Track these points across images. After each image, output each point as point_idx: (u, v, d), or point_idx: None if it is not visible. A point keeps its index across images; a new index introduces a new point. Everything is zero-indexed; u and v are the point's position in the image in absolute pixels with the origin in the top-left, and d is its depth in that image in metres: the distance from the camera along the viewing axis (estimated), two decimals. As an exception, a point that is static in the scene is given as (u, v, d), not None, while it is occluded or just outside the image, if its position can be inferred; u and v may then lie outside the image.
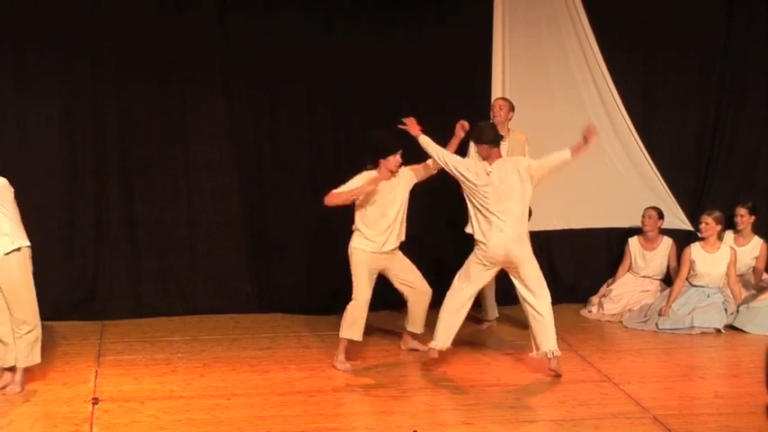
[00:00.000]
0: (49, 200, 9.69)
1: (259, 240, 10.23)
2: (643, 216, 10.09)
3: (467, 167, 8.09)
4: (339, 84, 10.04)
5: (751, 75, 10.58)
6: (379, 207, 8.32)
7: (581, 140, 7.94)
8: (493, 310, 9.58)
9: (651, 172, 10.13)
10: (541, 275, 8.11)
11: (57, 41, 9.73)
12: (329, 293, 9.84)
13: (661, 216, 10.09)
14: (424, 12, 10.15)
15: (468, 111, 10.04)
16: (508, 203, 7.91)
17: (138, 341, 9.20)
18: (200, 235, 10.16)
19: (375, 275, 8.42)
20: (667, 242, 10.16)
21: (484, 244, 7.92)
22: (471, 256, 8.05)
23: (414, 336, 8.77)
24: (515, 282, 8.05)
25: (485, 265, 7.99)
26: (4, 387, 7.68)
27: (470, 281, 8.07)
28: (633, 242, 10.22)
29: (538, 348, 7.99)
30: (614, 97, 10.05)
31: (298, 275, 10.14)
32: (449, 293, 8.12)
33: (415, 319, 8.66)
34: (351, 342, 8.37)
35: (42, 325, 9.44)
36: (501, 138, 8.32)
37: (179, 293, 10.18)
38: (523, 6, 10.03)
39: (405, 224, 8.45)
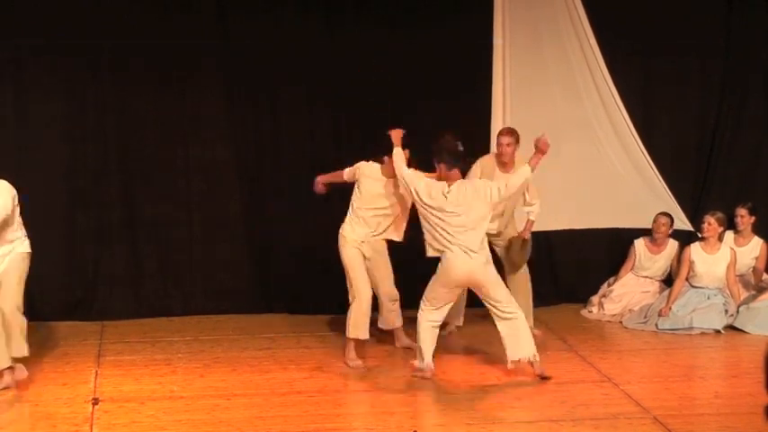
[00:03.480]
0: (49, 200, 9.68)
1: (259, 240, 10.23)
2: (655, 222, 10.01)
3: (424, 186, 7.88)
4: (339, 84, 10.04)
5: (751, 76, 10.58)
6: (375, 200, 8.44)
7: (536, 153, 7.95)
8: (458, 317, 9.42)
9: (651, 172, 10.12)
10: (507, 292, 8.04)
11: (57, 41, 9.72)
12: (329, 293, 9.83)
13: (673, 222, 10.07)
14: (424, 12, 10.14)
15: (469, 111, 10.08)
16: (466, 226, 7.76)
17: (138, 341, 9.20)
18: (200, 235, 10.15)
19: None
20: (673, 245, 10.14)
21: (444, 266, 7.80)
22: (435, 277, 7.92)
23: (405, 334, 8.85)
24: (484, 302, 7.97)
25: (448, 286, 7.89)
26: (4, 388, 7.69)
27: (436, 306, 7.96)
28: (639, 243, 10.19)
29: (513, 356, 7.93)
30: (614, 97, 10.04)
31: (298, 275, 10.13)
32: (419, 318, 7.99)
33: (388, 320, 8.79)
34: (357, 341, 8.41)
35: (42, 325, 9.52)
36: (462, 158, 8.01)
37: (179, 293, 10.18)
38: (523, 6, 10.02)
39: (400, 226, 8.52)
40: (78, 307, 9.95)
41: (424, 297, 8.02)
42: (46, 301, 9.78)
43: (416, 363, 8.03)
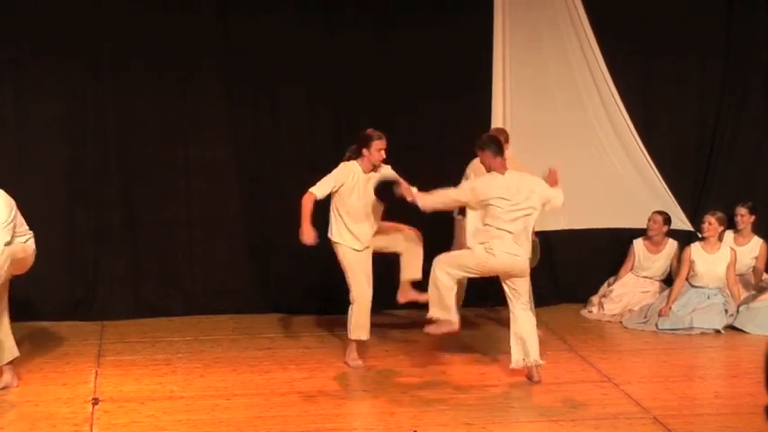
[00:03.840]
0: (49, 200, 9.68)
1: (259, 240, 10.23)
2: (649, 220, 10.05)
3: (469, 188, 7.84)
4: (339, 84, 10.05)
5: (751, 76, 10.58)
6: (359, 200, 8.30)
7: (552, 182, 8.03)
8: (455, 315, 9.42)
9: (652, 172, 10.12)
10: (530, 291, 8.04)
11: (57, 41, 9.72)
12: (329, 293, 9.83)
13: (667, 221, 10.07)
14: (425, 12, 10.14)
15: (469, 111, 10.08)
16: (520, 214, 7.77)
17: (138, 341, 9.20)
18: (200, 235, 10.16)
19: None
20: (672, 244, 10.14)
21: (489, 254, 7.74)
22: (469, 256, 7.81)
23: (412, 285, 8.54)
24: (507, 292, 7.89)
25: (482, 270, 7.83)
26: (4, 387, 7.70)
27: (454, 275, 7.84)
28: (638, 244, 10.20)
29: (527, 356, 7.88)
30: (615, 97, 10.04)
31: (298, 275, 10.13)
32: (436, 276, 7.79)
33: (411, 267, 8.44)
34: (358, 342, 8.39)
35: (42, 325, 9.53)
36: (503, 147, 8.01)
37: (179, 293, 10.18)
38: (523, 7, 10.02)
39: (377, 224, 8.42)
40: (78, 307, 9.95)
41: (443, 262, 7.83)
42: (46, 301, 9.78)
43: (436, 315, 7.84)
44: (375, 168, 8.32)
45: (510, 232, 7.71)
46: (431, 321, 7.96)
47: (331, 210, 8.37)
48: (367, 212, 8.32)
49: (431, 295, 7.91)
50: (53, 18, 9.68)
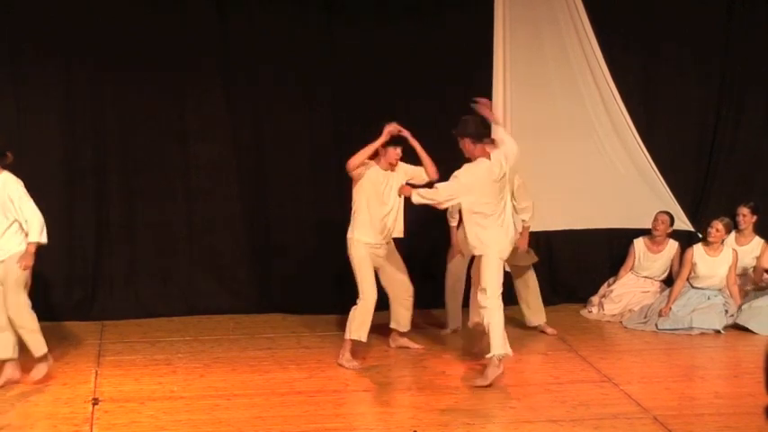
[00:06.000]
0: (49, 200, 9.62)
1: (259, 240, 10.23)
2: (655, 220, 10.03)
3: (466, 189, 7.66)
4: (339, 83, 10.05)
5: (751, 75, 10.57)
6: (376, 196, 8.37)
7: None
8: (457, 319, 9.38)
9: (652, 172, 10.13)
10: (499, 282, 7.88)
11: (56, 41, 9.73)
12: (329, 293, 9.84)
13: (672, 221, 10.07)
14: (424, 11, 10.14)
15: (469, 111, 10.06)
16: (505, 198, 7.81)
17: (138, 341, 9.20)
18: (200, 235, 10.15)
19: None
20: (673, 245, 10.12)
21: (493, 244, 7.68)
22: (485, 262, 7.72)
23: (402, 333, 8.81)
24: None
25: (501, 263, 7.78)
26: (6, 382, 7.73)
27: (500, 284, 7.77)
28: (639, 243, 10.19)
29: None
30: (615, 97, 10.05)
31: (298, 275, 10.13)
32: (493, 309, 7.67)
33: (402, 319, 8.69)
34: (356, 342, 8.38)
35: (42, 325, 9.51)
36: (488, 132, 7.83)
37: (179, 293, 10.17)
38: (524, 5, 10.03)
39: (401, 221, 8.51)
40: (78, 307, 9.95)
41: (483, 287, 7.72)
42: (46, 301, 9.76)
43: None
44: (392, 167, 8.45)
45: (505, 216, 7.85)
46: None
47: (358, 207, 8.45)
48: (383, 207, 8.43)
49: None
50: (53, 18, 9.68)
